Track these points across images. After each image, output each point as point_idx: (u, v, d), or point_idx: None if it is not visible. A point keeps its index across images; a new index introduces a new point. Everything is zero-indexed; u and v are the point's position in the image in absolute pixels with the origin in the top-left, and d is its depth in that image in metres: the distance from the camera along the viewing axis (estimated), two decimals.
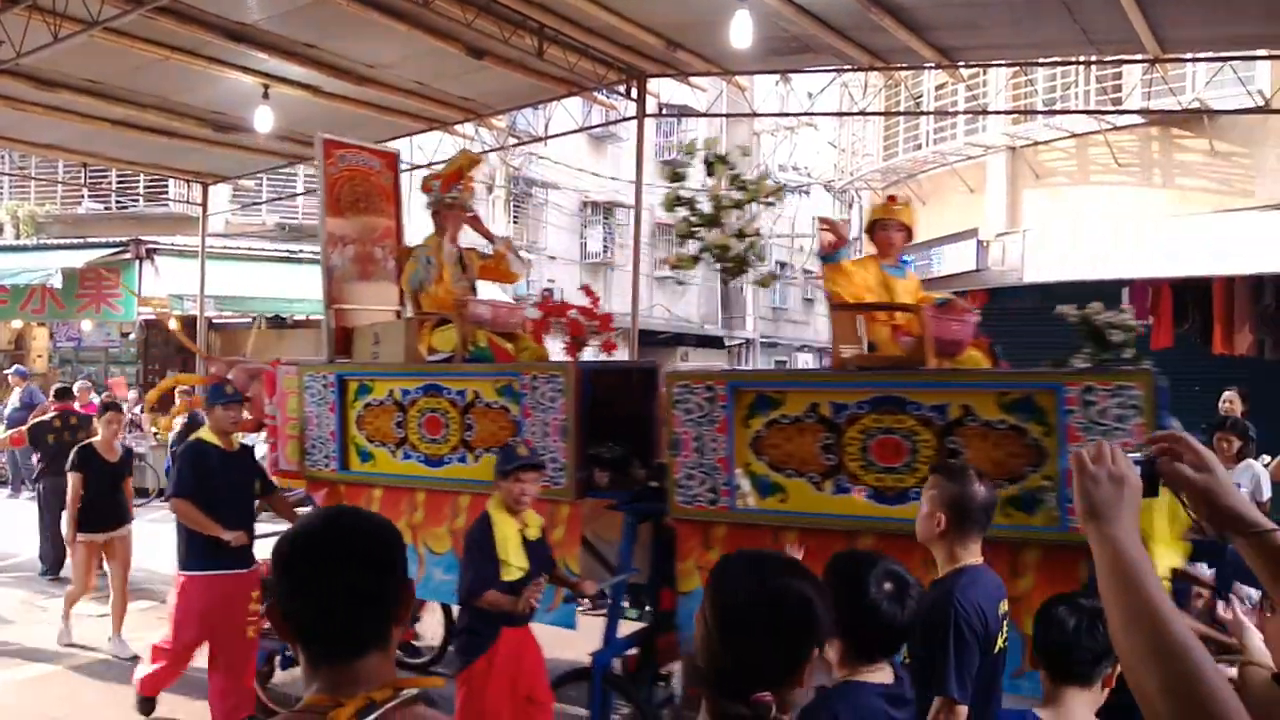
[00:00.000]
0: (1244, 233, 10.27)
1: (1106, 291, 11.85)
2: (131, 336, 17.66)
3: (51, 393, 9.34)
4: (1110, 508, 1.23)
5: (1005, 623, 2.86)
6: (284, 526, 5.27)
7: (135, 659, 6.20)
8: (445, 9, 7.82)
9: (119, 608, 6.73)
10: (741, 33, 7.66)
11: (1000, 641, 2.82)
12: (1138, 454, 1.33)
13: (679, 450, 4.29)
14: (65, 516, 6.95)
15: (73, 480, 6.74)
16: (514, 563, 4.06)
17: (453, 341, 5.21)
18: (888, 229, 4.96)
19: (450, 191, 5.62)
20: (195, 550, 5.16)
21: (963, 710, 2.65)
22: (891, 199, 5.34)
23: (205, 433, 5.42)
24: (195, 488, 5.17)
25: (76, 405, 10.47)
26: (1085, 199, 12.45)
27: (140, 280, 15.23)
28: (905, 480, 3.92)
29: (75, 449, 7.00)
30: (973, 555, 2.87)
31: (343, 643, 1.39)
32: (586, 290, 5.87)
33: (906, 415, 3.93)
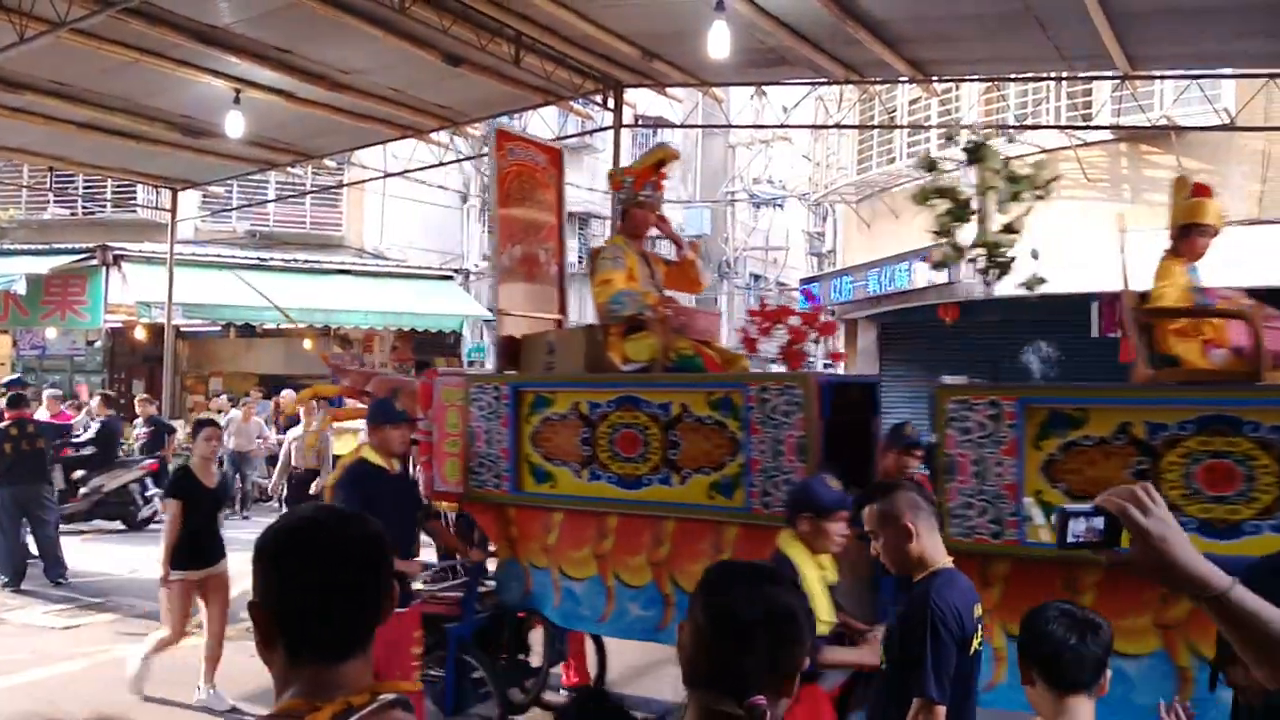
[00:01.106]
0: (1211, 248, 10.42)
1: (1075, 305, 12.07)
2: (97, 344, 17.37)
3: (4, 401, 9.11)
4: (1188, 564, 1.24)
5: (980, 626, 2.88)
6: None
7: (234, 710, 5.61)
8: (421, 15, 7.77)
9: (214, 652, 5.85)
10: (719, 44, 7.68)
11: (976, 643, 2.85)
12: (1089, 506, 1.31)
13: (954, 475, 3.82)
14: (161, 550, 5.81)
15: (171, 509, 5.79)
16: (823, 616, 3.52)
17: (650, 349, 4.74)
18: (1205, 234, 4.52)
19: (644, 189, 5.18)
20: None
21: (941, 711, 2.67)
22: (1201, 190, 4.75)
23: (369, 452, 4.92)
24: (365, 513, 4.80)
25: (48, 415, 10.30)
26: (1055, 213, 12.59)
27: (107, 287, 14.98)
28: (1239, 511, 3.47)
29: (173, 472, 6.24)
30: (943, 557, 2.89)
31: (332, 643, 1.35)
32: (807, 294, 5.52)
33: (1241, 438, 3.46)
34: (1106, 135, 11.94)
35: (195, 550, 5.78)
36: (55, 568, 8.53)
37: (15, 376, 10.94)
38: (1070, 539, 1.33)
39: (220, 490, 6.10)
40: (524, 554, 4.95)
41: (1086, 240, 11.60)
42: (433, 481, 5.18)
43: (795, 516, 3.64)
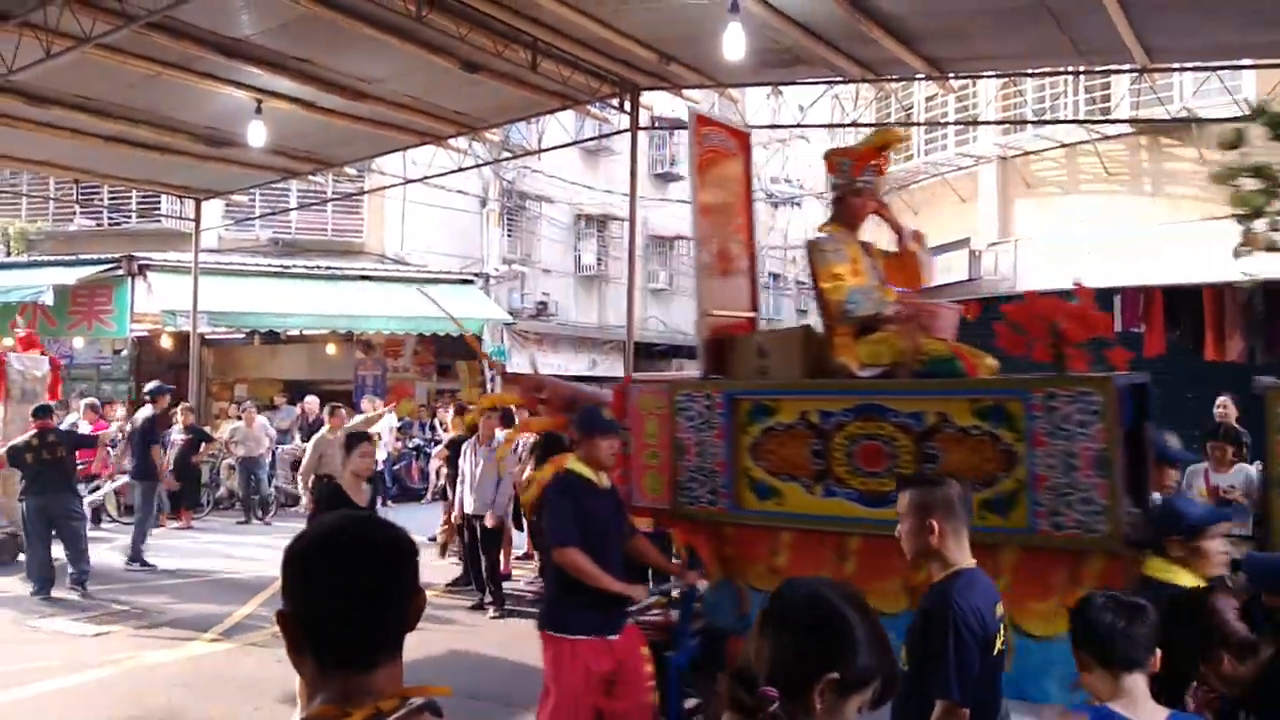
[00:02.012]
0: (1233, 240, 10.32)
1: (1098, 299, 11.97)
2: (124, 353, 17.61)
3: (30, 412, 9.28)
4: None
5: (1002, 625, 2.87)
6: None
7: None
8: (438, 23, 7.84)
9: None
10: (734, 45, 7.69)
11: (999, 643, 2.82)
12: None
13: None
14: None
15: None
16: None
17: (893, 352, 4.33)
18: None
19: (863, 174, 4.71)
20: (580, 605, 4.23)
21: (965, 713, 2.66)
22: None
23: (575, 464, 4.46)
24: (581, 533, 4.25)
25: (89, 426, 10.45)
26: (1076, 208, 12.52)
27: (133, 296, 15.19)
28: None
29: (321, 490, 5.69)
30: (966, 558, 2.87)
31: (360, 648, 1.36)
32: (1079, 289, 4.52)
33: None
34: (1126, 129, 11.85)
35: None
36: (79, 577, 8.56)
37: (157, 384, 11.25)
38: None
39: (370, 510, 5.34)
40: (743, 575, 4.53)
41: (1108, 234, 11.53)
42: (629, 496, 4.76)
43: (1162, 540, 3.27)
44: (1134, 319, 12.11)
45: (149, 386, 11.15)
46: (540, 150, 14.93)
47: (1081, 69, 10.33)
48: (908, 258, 4.82)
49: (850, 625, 1.57)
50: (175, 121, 10.31)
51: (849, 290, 4.43)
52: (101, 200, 16.92)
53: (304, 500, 10.38)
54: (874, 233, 4.97)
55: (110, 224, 17.56)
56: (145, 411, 10.56)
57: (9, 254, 16.78)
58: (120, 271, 15.17)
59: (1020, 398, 3.84)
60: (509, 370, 5.99)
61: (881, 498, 4.06)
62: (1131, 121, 11.56)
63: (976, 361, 4.32)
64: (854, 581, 3.98)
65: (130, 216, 17.34)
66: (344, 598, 1.35)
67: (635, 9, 7.82)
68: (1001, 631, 2.84)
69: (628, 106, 10.17)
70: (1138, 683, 2.37)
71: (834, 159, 4.86)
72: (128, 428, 13.15)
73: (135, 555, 9.83)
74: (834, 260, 4.52)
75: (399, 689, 1.37)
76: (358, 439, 5.65)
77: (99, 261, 15.29)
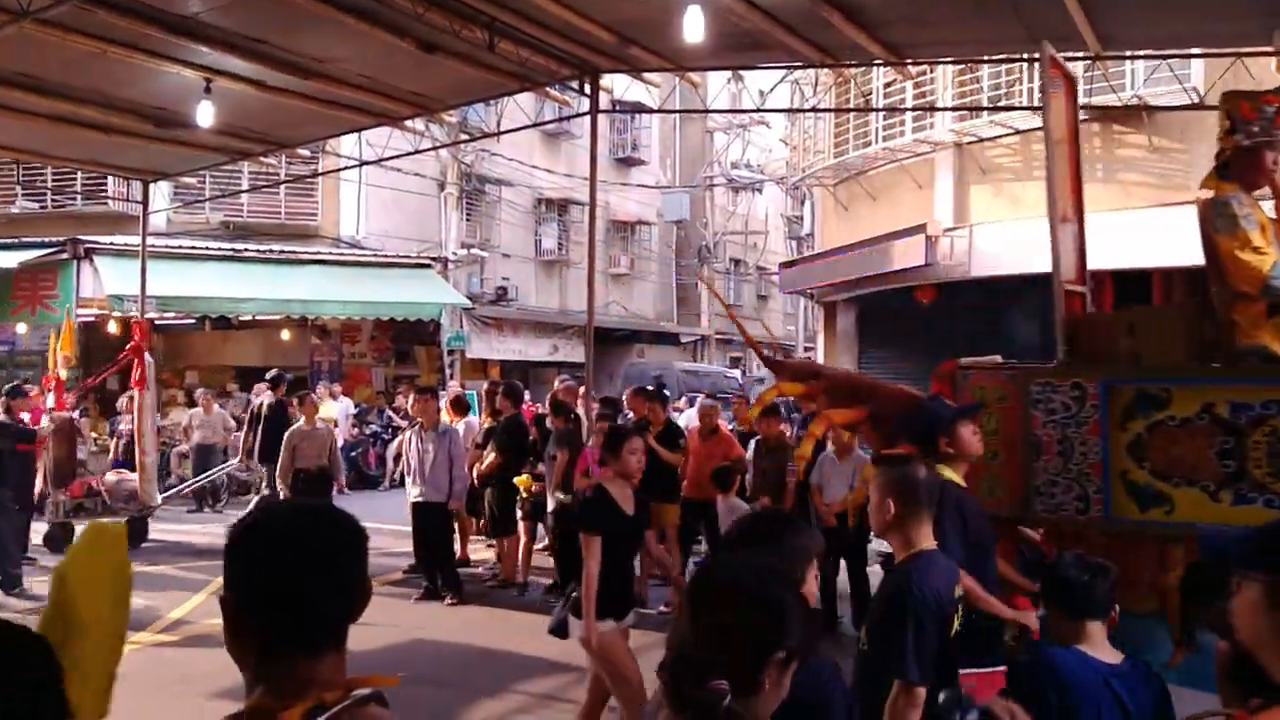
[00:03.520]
0: (1181, 226, 10.54)
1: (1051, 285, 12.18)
2: None
3: None
4: None
5: (960, 606, 2.93)
6: None
7: None
8: (394, 1, 7.70)
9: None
10: (694, 28, 7.67)
11: (956, 623, 2.88)
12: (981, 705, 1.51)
13: None
14: (582, 599, 4.30)
15: (593, 548, 4.24)
16: None
17: None
18: None
19: None
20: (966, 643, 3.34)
21: (920, 693, 2.70)
22: None
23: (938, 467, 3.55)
24: (965, 550, 3.41)
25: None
26: (1030, 194, 12.69)
27: (79, 281, 14.79)
28: None
29: (587, 497, 4.70)
30: (926, 540, 2.92)
31: (303, 635, 1.33)
32: None
33: None
34: (1080, 115, 12.02)
35: (620, 593, 4.39)
36: (8, 581, 8.09)
37: (277, 372, 11.18)
38: None
39: (641, 519, 4.53)
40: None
41: None
42: None
43: None
44: (1091, 305, 12.35)
45: (270, 374, 11.36)
46: (499, 133, 14.75)
47: (1036, 56, 10.46)
48: None
49: (787, 602, 1.60)
50: (122, 101, 9.99)
51: (1275, 263, 3.83)
52: (45, 182, 16.44)
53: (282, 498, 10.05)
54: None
55: (54, 206, 17.07)
56: (268, 398, 10.82)
57: None
58: (65, 255, 14.74)
59: None
60: (773, 357, 5.24)
61: None
62: (1084, 109, 11.71)
63: None
64: None
65: (75, 198, 16.87)
66: (287, 582, 1.31)
67: None
68: (959, 612, 2.91)
69: (588, 89, 10.08)
70: (1097, 629, 2.67)
71: (1252, 103, 4.07)
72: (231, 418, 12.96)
73: None
74: (1248, 226, 3.89)
75: (343, 679, 1.34)
76: (625, 434, 4.55)
77: (42, 245, 14.85)
